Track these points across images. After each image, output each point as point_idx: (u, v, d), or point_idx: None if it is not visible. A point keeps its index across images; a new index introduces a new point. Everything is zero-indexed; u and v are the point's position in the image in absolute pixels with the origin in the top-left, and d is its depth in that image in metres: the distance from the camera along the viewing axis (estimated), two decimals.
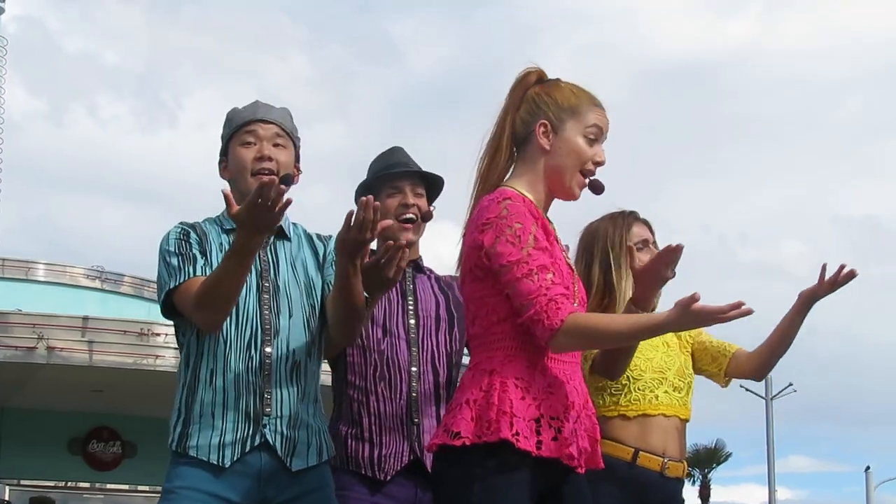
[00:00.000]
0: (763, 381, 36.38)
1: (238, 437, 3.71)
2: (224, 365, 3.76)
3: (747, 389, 36.71)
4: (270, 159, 3.86)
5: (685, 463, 4.47)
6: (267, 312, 3.79)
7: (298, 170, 4.07)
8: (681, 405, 4.47)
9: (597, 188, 3.60)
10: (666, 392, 4.38)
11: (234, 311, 3.76)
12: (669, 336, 4.62)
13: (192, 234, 3.84)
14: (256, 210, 3.39)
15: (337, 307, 3.74)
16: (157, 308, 15.76)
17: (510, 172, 3.64)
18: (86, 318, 17.45)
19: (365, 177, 4.44)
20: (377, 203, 3.57)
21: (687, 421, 4.47)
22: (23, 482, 19.99)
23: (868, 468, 41.46)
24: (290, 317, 3.81)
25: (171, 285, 3.70)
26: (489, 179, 3.62)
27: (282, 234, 3.94)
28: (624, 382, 4.50)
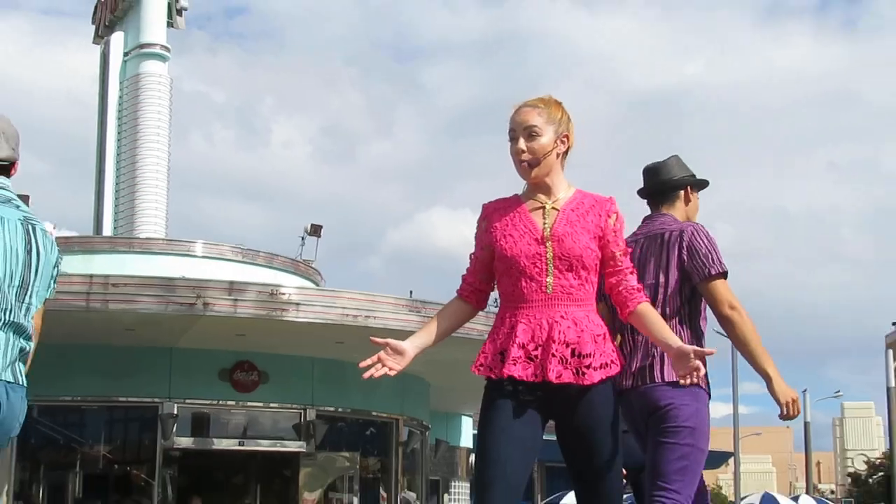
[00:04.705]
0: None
1: None
2: None
3: (716, 331, 39.68)
4: None
5: None
6: None
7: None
8: None
9: (525, 169, 4.10)
10: None
11: None
12: None
13: None
14: None
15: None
16: (282, 274, 21.02)
17: None
18: (231, 282, 18.58)
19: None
20: None
21: None
22: (187, 401, 20.77)
23: (805, 390, 46.89)
24: None
25: None
26: None
27: None
28: None
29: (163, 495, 20.58)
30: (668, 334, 4.07)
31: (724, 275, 4.77)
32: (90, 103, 29.82)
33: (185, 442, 21.02)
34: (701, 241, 4.79)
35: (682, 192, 5.04)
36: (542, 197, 4.14)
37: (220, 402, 21.23)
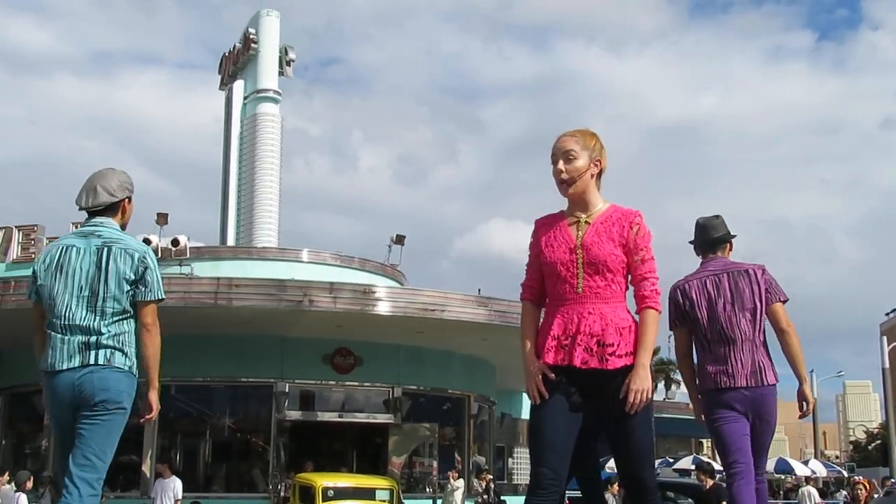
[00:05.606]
0: None
1: None
2: None
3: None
4: None
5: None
6: None
7: None
8: None
9: (563, 187, 4.14)
10: None
11: None
12: None
13: None
14: None
15: None
16: (373, 276, 20.86)
17: None
18: (332, 283, 18.64)
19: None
20: None
21: None
22: (296, 380, 20.72)
23: (812, 371, 45.15)
24: None
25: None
26: None
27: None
28: None
29: (276, 458, 20.76)
30: (641, 347, 4.03)
31: (786, 301, 5.48)
32: (215, 138, 30.28)
33: (294, 415, 21.05)
34: (772, 277, 5.51)
35: (728, 244, 5.69)
36: (578, 212, 4.14)
37: (323, 382, 21.31)
